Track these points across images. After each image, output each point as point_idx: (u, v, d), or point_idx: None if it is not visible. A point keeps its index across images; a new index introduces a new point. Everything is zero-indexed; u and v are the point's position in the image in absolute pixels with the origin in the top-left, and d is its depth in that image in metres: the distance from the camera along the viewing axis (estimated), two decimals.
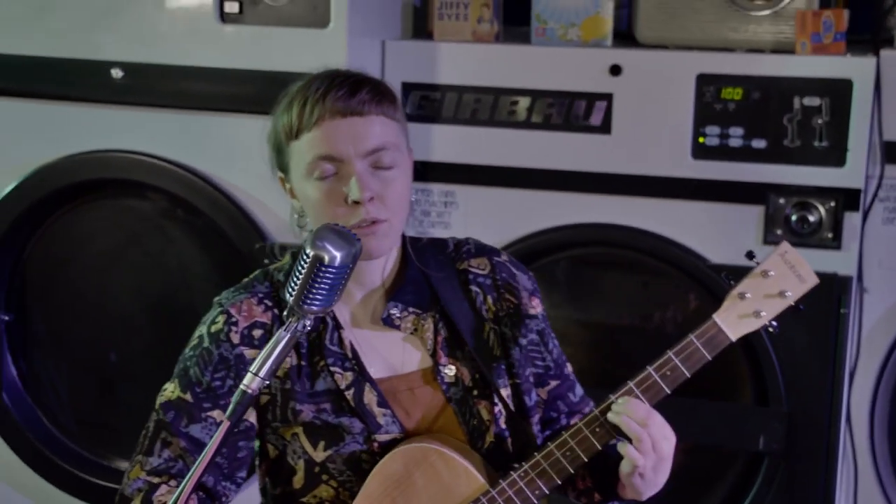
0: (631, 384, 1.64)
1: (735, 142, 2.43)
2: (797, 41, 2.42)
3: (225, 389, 1.69)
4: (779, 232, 2.42)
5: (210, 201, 2.53)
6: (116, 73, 2.52)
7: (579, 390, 1.86)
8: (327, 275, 1.54)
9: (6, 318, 2.75)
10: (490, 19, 2.63)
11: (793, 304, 1.64)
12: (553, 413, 1.82)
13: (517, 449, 1.74)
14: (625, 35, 2.64)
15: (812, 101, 2.38)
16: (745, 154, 2.42)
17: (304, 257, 1.53)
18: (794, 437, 2.46)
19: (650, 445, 1.61)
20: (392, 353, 1.75)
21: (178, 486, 1.58)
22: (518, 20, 2.75)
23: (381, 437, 1.70)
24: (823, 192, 2.40)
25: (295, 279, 1.54)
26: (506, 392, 1.76)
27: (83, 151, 2.59)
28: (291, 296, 1.54)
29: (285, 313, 1.57)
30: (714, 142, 2.43)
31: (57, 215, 2.69)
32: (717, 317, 1.64)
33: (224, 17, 2.46)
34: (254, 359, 1.54)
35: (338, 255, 1.53)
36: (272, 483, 1.76)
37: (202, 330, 1.71)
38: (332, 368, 1.71)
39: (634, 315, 2.60)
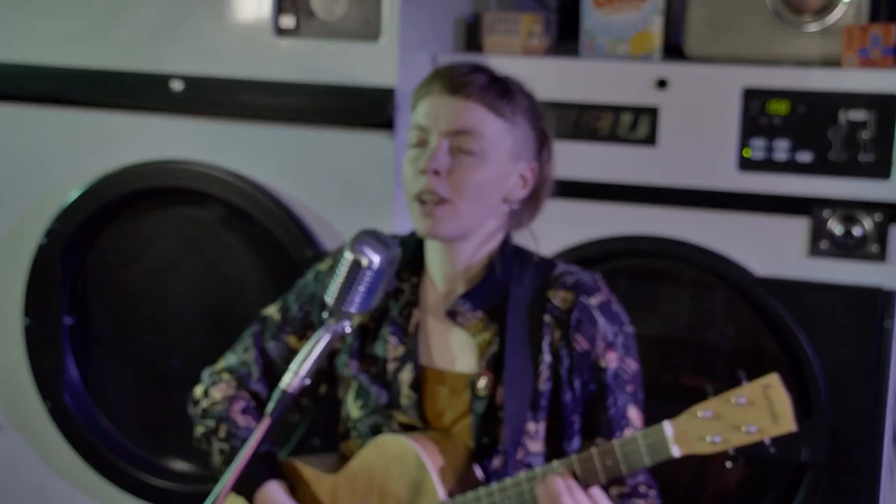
0: (573, 457, 1.64)
1: (780, 155, 2.44)
2: (844, 56, 2.43)
3: (305, 321, 1.90)
4: (824, 245, 2.43)
5: (264, 210, 2.58)
6: (176, 85, 2.59)
7: None
8: (365, 277, 1.60)
9: (69, 321, 2.80)
10: (540, 34, 2.67)
11: (763, 442, 1.56)
12: None
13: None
14: (674, 50, 2.67)
15: (858, 114, 2.38)
16: (791, 167, 2.43)
17: (344, 260, 1.60)
18: (838, 449, 2.45)
19: None
20: (446, 346, 1.81)
21: (231, 391, 1.97)
22: (568, 35, 2.79)
23: (401, 418, 1.77)
24: (869, 205, 2.40)
25: (334, 282, 1.61)
26: (533, 427, 1.78)
27: (144, 161, 2.65)
28: (330, 296, 1.61)
29: (324, 314, 1.63)
30: (760, 155, 2.45)
31: (118, 222, 2.74)
32: (670, 424, 1.59)
33: (280, 31, 2.51)
34: None
35: (376, 258, 1.59)
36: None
37: (315, 267, 1.94)
38: (388, 337, 1.78)
39: (680, 326, 2.62)
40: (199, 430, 1.98)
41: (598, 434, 1.79)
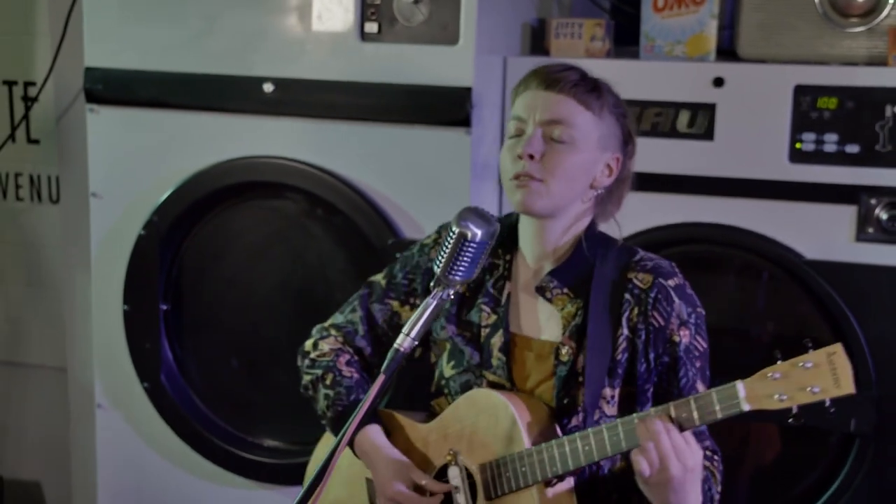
0: (670, 404, 1.82)
1: (830, 147, 2.62)
2: (889, 55, 2.61)
3: (408, 288, 2.10)
4: (871, 230, 2.61)
5: (347, 201, 2.76)
6: (268, 87, 2.79)
7: None
8: (469, 249, 1.80)
9: (164, 307, 2.99)
10: (602, 38, 2.87)
11: (824, 402, 1.73)
12: None
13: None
14: (727, 52, 2.85)
15: None
16: (839, 158, 2.61)
17: (451, 234, 1.80)
18: (884, 420, 2.63)
19: (655, 457, 1.78)
20: (533, 317, 2.01)
21: (338, 345, 2.21)
22: (628, 41, 2.98)
23: (490, 377, 1.97)
24: None
25: (442, 253, 1.80)
26: (609, 392, 1.96)
27: (236, 157, 2.84)
28: (439, 267, 1.81)
29: (432, 283, 1.83)
30: (810, 147, 2.63)
31: (211, 215, 2.93)
32: (742, 383, 1.76)
33: (364, 37, 2.71)
34: None
35: (479, 231, 1.79)
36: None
37: (420, 241, 2.14)
38: (482, 306, 1.98)
39: (735, 309, 2.79)
40: (307, 377, 2.22)
41: (668, 400, 1.97)
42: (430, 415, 2.14)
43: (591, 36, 2.87)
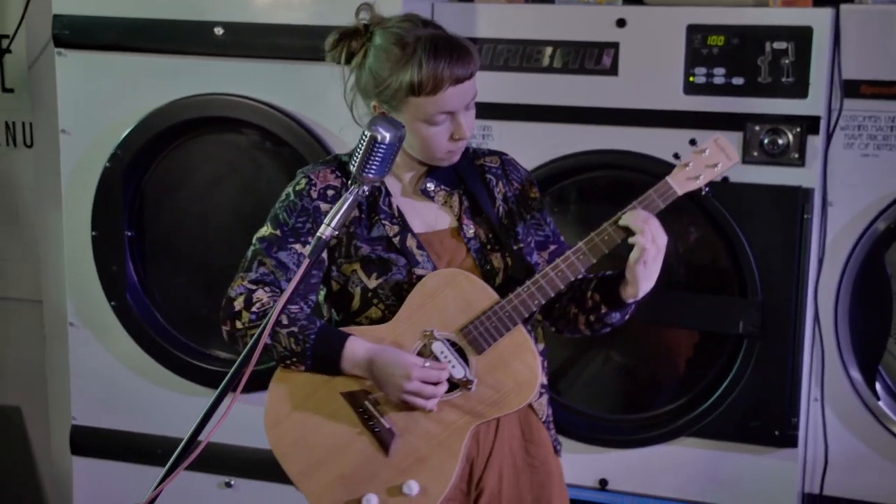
0: (635, 202, 2.18)
1: (718, 80, 2.93)
2: None
3: (304, 230, 2.27)
4: (755, 153, 2.93)
5: (293, 133, 3.05)
6: (218, 30, 3.07)
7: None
8: (380, 150, 2.09)
9: (129, 233, 3.26)
10: None
11: (720, 175, 2.18)
12: None
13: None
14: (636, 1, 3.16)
15: (780, 45, 2.88)
16: (727, 90, 2.93)
17: (363, 137, 2.10)
18: (768, 323, 2.96)
19: (651, 237, 2.14)
20: (428, 215, 2.33)
21: (270, 292, 2.21)
22: None
23: (419, 272, 2.27)
24: (791, 119, 2.89)
25: (356, 154, 2.11)
26: (516, 245, 2.30)
27: (191, 95, 3.13)
28: (354, 166, 2.11)
29: (349, 181, 2.14)
30: (701, 80, 2.94)
31: (170, 149, 3.21)
32: (669, 178, 2.18)
33: None
34: (326, 211, 2.14)
35: (387, 135, 2.08)
36: (336, 311, 2.34)
37: (289, 189, 2.30)
38: (383, 222, 2.29)
39: None
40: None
41: (549, 243, 2.37)
42: (371, 322, 2.29)
43: None
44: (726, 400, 3.01)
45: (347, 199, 2.11)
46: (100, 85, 3.22)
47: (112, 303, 3.30)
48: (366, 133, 2.09)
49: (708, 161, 2.18)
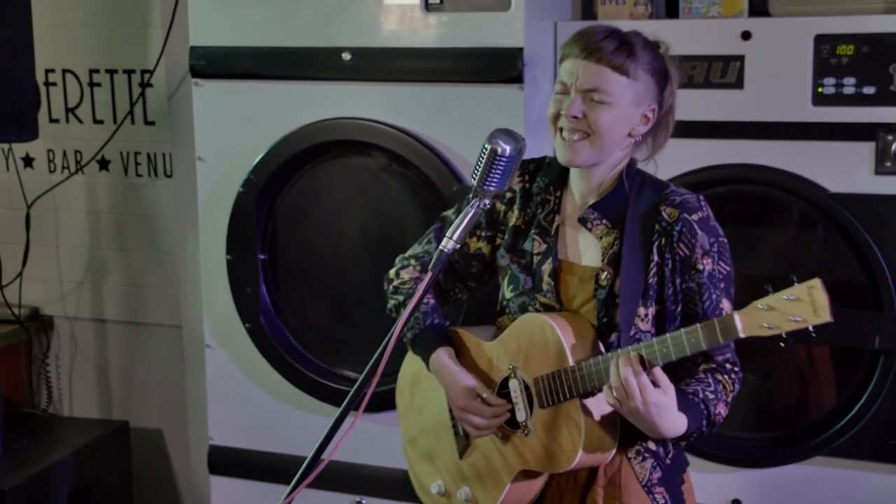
0: (654, 340, 2.12)
1: (848, 90, 2.87)
2: None
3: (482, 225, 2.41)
4: (888, 164, 2.85)
5: (418, 155, 3.09)
6: (346, 56, 3.14)
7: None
8: (500, 163, 2.12)
9: (262, 256, 3.33)
10: (644, 2, 3.17)
11: (808, 329, 1.94)
12: None
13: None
14: (759, 12, 3.11)
15: None
16: (857, 99, 2.86)
17: (483, 151, 2.13)
18: None
19: (623, 394, 2.10)
20: (577, 245, 2.33)
21: (419, 271, 2.53)
22: (669, 6, 3.27)
23: (542, 300, 2.29)
24: None
25: (477, 168, 2.14)
26: (644, 311, 2.25)
27: (321, 119, 3.20)
28: (474, 179, 2.14)
29: (470, 195, 2.17)
30: (830, 91, 2.88)
31: (300, 172, 3.27)
32: (739, 315, 2.01)
33: (428, 7, 3.04)
34: (502, 211, 2.36)
35: (507, 147, 2.11)
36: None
37: None
38: (535, 236, 2.32)
39: (768, 239, 3.05)
40: (391, 302, 2.53)
41: (696, 321, 2.22)
42: (498, 329, 2.44)
43: (634, 1, 3.18)
44: (863, 418, 2.92)
45: (468, 213, 2.14)
46: (234, 112, 3.32)
47: (246, 325, 3.38)
48: (486, 146, 2.12)
49: (790, 311, 1.95)
